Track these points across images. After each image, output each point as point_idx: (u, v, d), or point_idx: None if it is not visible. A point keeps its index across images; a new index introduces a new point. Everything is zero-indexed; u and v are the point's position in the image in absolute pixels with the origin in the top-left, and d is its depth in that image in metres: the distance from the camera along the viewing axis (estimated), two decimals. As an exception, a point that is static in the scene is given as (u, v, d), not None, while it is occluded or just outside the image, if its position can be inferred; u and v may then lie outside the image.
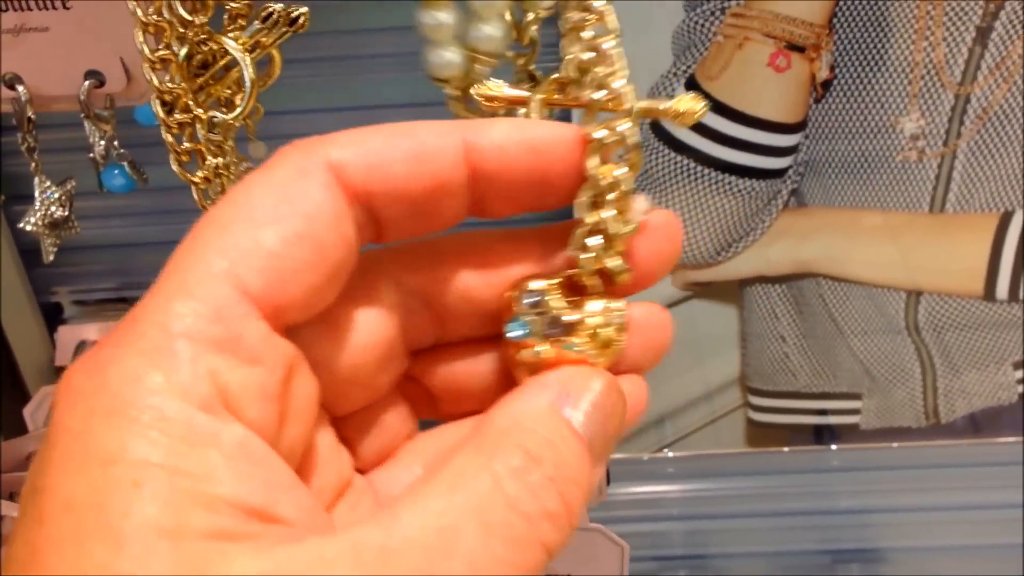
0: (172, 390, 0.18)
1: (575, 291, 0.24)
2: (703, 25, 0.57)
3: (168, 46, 0.34)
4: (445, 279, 0.24)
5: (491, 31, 0.31)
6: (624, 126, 0.23)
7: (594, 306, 0.24)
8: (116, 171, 0.45)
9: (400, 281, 0.24)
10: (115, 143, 0.44)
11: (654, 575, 0.77)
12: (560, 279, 0.24)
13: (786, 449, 0.71)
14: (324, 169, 0.21)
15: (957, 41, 0.57)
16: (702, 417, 0.69)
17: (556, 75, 0.25)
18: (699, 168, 0.60)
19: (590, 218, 0.23)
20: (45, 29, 0.41)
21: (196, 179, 0.36)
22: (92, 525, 0.17)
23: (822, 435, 0.70)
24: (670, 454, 0.71)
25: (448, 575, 0.18)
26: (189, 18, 0.34)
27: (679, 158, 0.60)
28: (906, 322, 0.65)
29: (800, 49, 0.57)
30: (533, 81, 0.43)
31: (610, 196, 0.23)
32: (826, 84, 0.58)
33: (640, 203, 0.24)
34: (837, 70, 0.58)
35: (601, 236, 0.23)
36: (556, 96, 0.25)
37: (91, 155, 0.46)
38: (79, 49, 0.41)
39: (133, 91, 0.43)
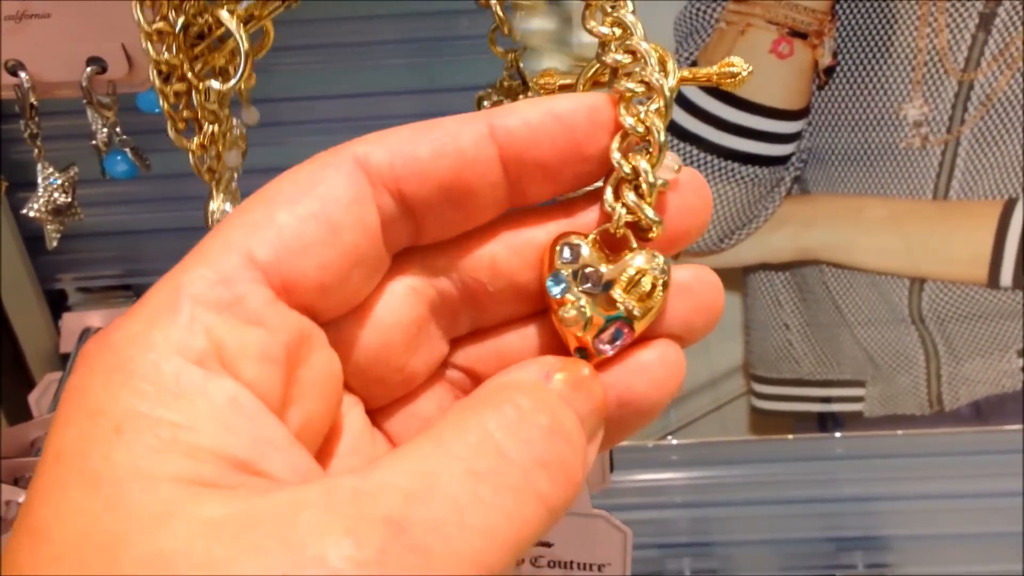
0: (168, 346, 0.19)
1: (611, 246, 0.24)
2: (705, 12, 0.57)
3: (165, 18, 0.35)
4: (472, 254, 0.24)
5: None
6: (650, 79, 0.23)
7: (633, 257, 0.23)
8: (119, 157, 0.45)
9: (426, 263, 0.23)
10: (117, 129, 0.44)
11: (658, 562, 0.78)
12: (595, 235, 0.24)
13: (790, 437, 0.71)
14: (349, 160, 0.21)
15: (960, 27, 0.57)
16: (706, 404, 0.70)
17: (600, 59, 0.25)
18: (702, 156, 0.60)
19: (625, 166, 0.23)
20: (47, 15, 0.41)
21: (192, 146, 0.36)
22: (74, 471, 0.18)
23: (826, 423, 0.70)
24: (674, 441, 0.71)
25: (428, 517, 0.17)
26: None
27: (682, 146, 0.60)
28: (910, 310, 0.65)
29: (803, 36, 0.57)
30: (522, 77, 0.43)
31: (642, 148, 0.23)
32: (829, 71, 0.58)
33: (671, 159, 0.23)
34: (840, 57, 0.58)
35: (634, 191, 0.23)
36: (603, 78, 0.25)
37: (93, 142, 0.46)
38: (81, 35, 0.42)
39: (135, 77, 0.43)
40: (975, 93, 0.58)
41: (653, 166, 0.23)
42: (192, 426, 0.18)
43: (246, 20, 0.36)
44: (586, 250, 0.23)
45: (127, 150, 0.45)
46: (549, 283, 0.23)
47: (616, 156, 0.23)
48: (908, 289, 0.65)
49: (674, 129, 0.60)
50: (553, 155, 0.22)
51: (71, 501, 0.17)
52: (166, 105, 0.36)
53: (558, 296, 0.23)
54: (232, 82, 0.35)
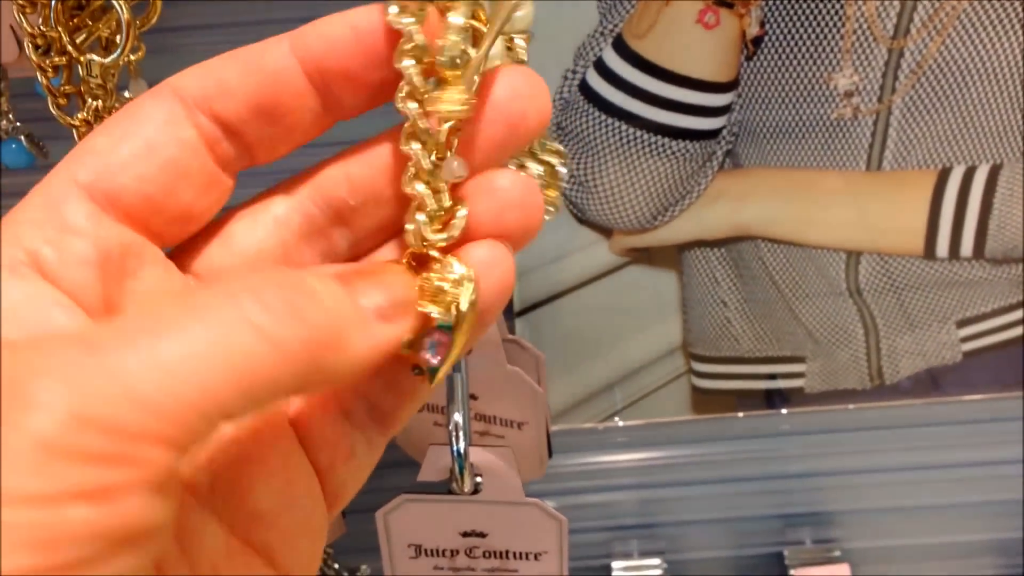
0: None
1: (423, 264, 0.24)
2: (628, -18, 0.56)
3: (38, -13, 0.33)
4: (328, 174, 0.25)
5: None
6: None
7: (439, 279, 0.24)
8: (13, 146, 0.43)
9: (289, 193, 0.25)
10: (10, 116, 0.43)
11: (606, 544, 0.77)
12: (406, 260, 0.24)
13: (740, 415, 0.70)
14: (166, 90, 0.24)
15: (889, -7, 0.56)
16: (647, 385, 0.69)
17: None
18: (630, 131, 0.59)
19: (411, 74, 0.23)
20: (-76, -3, 0.39)
21: (76, 122, 0.36)
22: None
23: (773, 400, 0.70)
24: (621, 423, 0.70)
25: (112, 331, 0.18)
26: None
27: (609, 120, 0.59)
28: (847, 283, 0.65)
29: (728, 5, 0.56)
30: None
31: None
32: (757, 41, 0.57)
33: (456, 164, 0.24)
34: (767, 26, 0.57)
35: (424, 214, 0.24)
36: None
37: (-8, 132, 0.44)
38: (-36, 18, 0.40)
39: (25, 62, 0.42)
40: (905, 61, 0.58)
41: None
42: None
43: (126, -12, 0.35)
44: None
45: (21, 137, 0.43)
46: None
47: (403, 63, 0.23)
48: (845, 262, 0.64)
49: (601, 104, 0.59)
50: (354, 63, 0.23)
51: None
52: (44, 80, 0.35)
53: None
54: (114, 55, 0.34)
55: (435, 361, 0.24)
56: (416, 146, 0.23)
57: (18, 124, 0.43)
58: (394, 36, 0.23)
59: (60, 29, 0.33)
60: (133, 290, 0.23)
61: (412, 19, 0.23)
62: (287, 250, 0.25)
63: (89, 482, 0.17)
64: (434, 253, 0.24)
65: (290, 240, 0.25)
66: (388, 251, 0.26)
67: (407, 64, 0.23)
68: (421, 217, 0.24)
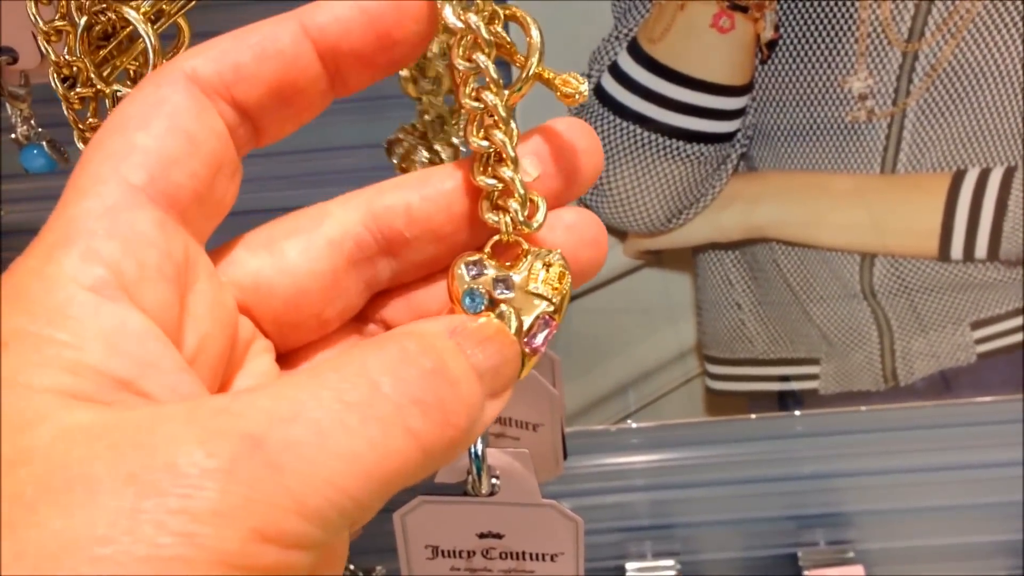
0: (63, 275, 0.20)
1: (505, 255, 0.25)
2: (643, -13, 0.56)
3: (64, 16, 0.33)
4: (388, 204, 0.25)
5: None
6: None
7: (531, 256, 0.25)
8: (35, 151, 0.44)
9: (344, 219, 0.25)
10: (32, 122, 0.43)
11: (620, 546, 0.77)
12: (488, 248, 0.25)
13: (753, 416, 0.70)
14: (180, 77, 0.22)
15: (903, -3, 0.56)
16: (662, 386, 0.69)
17: None
18: (645, 134, 0.59)
19: (487, 180, 0.25)
20: (-50, 5, 0.40)
21: None
22: None
23: (786, 402, 0.70)
24: (634, 425, 0.70)
25: (287, 437, 0.18)
26: (84, -14, 0.33)
27: (624, 124, 0.59)
28: (861, 285, 0.65)
29: (743, 9, 0.56)
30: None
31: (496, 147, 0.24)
32: (771, 45, 0.57)
33: (528, 163, 0.25)
34: (782, 30, 0.57)
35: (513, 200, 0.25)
36: None
37: (13, 136, 0.45)
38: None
39: (48, 68, 0.42)
40: (920, 64, 0.58)
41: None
42: (77, 345, 0.19)
43: (155, 18, 0.34)
44: (487, 263, 0.25)
45: (43, 143, 0.44)
46: (465, 302, 0.24)
47: (459, 62, 0.24)
48: (859, 264, 0.64)
49: (616, 107, 0.59)
50: (365, 44, 0.23)
51: None
52: (71, 114, 0.34)
53: (476, 311, 0.24)
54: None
55: (542, 348, 0.25)
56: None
57: (40, 130, 0.43)
58: (405, 15, 0.24)
59: (86, 60, 0.33)
60: (192, 304, 0.22)
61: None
62: (337, 276, 0.25)
63: None
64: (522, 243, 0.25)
65: (340, 265, 0.25)
66: (428, 292, 0.26)
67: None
68: (515, 204, 0.24)
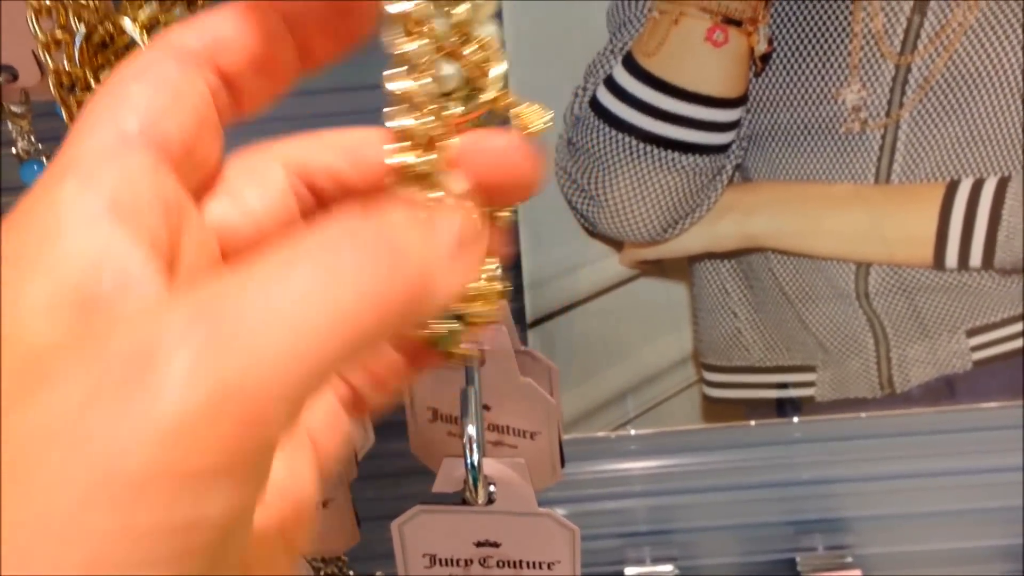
0: (60, 199, 0.21)
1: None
2: (637, 2, 0.56)
3: (63, 26, 0.34)
4: (323, 161, 0.26)
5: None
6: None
7: None
8: (35, 167, 0.44)
9: (287, 162, 0.26)
10: (31, 138, 0.44)
11: (619, 551, 0.78)
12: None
13: (752, 423, 0.71)
14: (167, 45, 0.24)
15: (895, 10, 0.56)
16: (659, 394, 0.69)
17: None
18: (641, 146, 0.60)
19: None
20: (-49, 25, 0.40)
21: None
22: None
23: (784, 408, 0.70)
24: (633, 432, 0.70)
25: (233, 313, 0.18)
26: (83, -1, 0.34)
27: (620, 136, 0.60)
28: (856, 293, 0.65)
29: (737, 23, 0.56)
30: None
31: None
32: (765, 58, 0.58)
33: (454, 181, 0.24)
34: (775, 43, 0.57)
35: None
36: None
37: (14, 150, 0.45)
38: (-11, 44, 0.41)
39: (48, 85, 0.42)
40: (912, 76, 0.58)
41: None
42: (61, 264, 0.20)
43: (150, 27, 0.35)
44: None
45: (43, 159, 0.44)
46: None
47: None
48: (855, 273, 0.64)
49: (611, 120, 0.59)
50: (330, 11, 0.24)
51: None
52: (71, 120, 0.35)
53: None
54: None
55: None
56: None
57: (40, 145, 0.44)
58: None
59: (85, 69, 0.34)
60: (185, 248, 0.23)
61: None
62: (292, 220, 0.26)
63: (224, 455, 0.18)
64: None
65: (291, 209, 0.26)
66: None
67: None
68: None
